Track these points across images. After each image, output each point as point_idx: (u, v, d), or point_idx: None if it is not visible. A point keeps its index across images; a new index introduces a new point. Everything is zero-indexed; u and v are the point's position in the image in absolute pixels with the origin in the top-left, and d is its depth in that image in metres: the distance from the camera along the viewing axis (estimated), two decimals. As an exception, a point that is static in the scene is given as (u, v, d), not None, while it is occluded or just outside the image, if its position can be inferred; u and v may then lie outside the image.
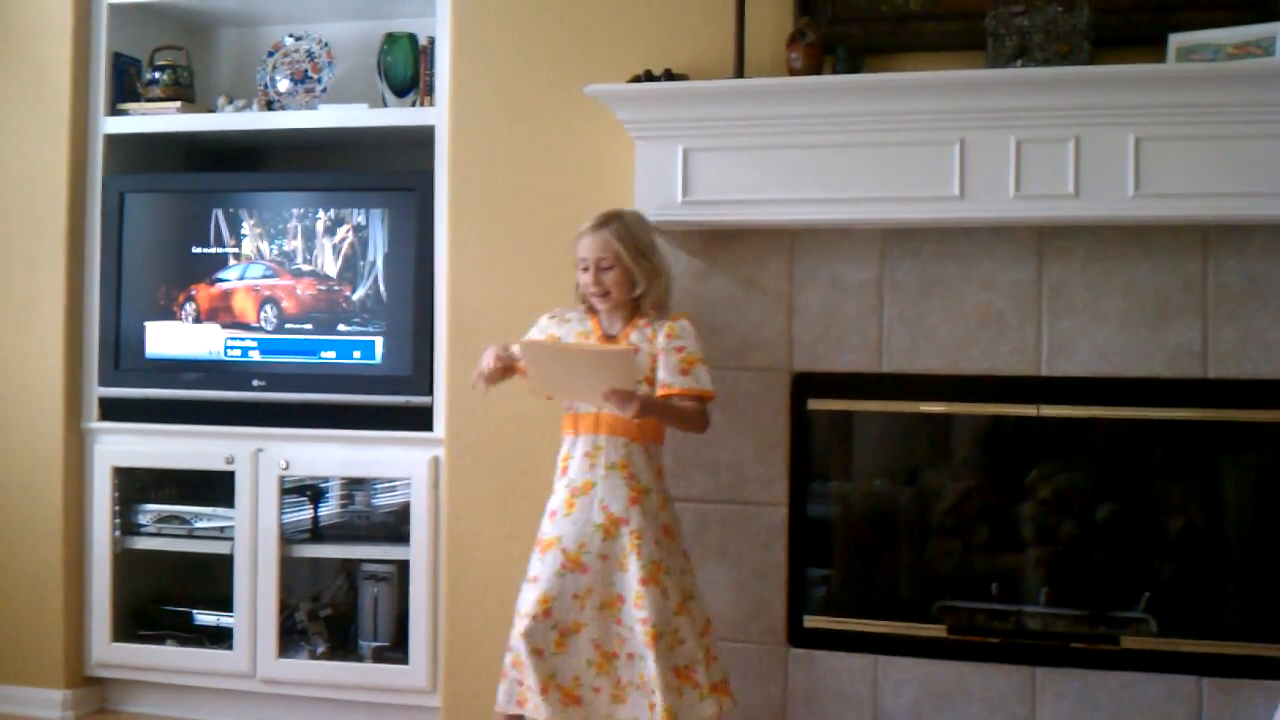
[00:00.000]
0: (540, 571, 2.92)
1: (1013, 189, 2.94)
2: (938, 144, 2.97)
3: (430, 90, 3.64)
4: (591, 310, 3.02)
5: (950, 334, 3.13)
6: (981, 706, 3.09)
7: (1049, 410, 3.11)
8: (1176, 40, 2.96)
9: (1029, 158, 2.93)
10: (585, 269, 2.95)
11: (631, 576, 2.87)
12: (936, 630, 3.18)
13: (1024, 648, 3.12)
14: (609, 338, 2.97)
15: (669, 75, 3.17)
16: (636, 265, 2.92)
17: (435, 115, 3.57)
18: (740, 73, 3.16)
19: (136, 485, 3.88)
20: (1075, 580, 3.18)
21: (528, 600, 2.91)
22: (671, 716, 2.84)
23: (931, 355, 3.14)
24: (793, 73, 3.12)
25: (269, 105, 3.81)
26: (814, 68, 3.11)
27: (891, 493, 3.35)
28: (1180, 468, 3.17)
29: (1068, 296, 3.06)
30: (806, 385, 3.23)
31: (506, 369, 2.99)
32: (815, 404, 3.24)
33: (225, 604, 3.75)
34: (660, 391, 2.89)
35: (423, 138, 3.60)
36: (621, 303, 2.96)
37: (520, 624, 2.90)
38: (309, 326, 3.69)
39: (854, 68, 3.13)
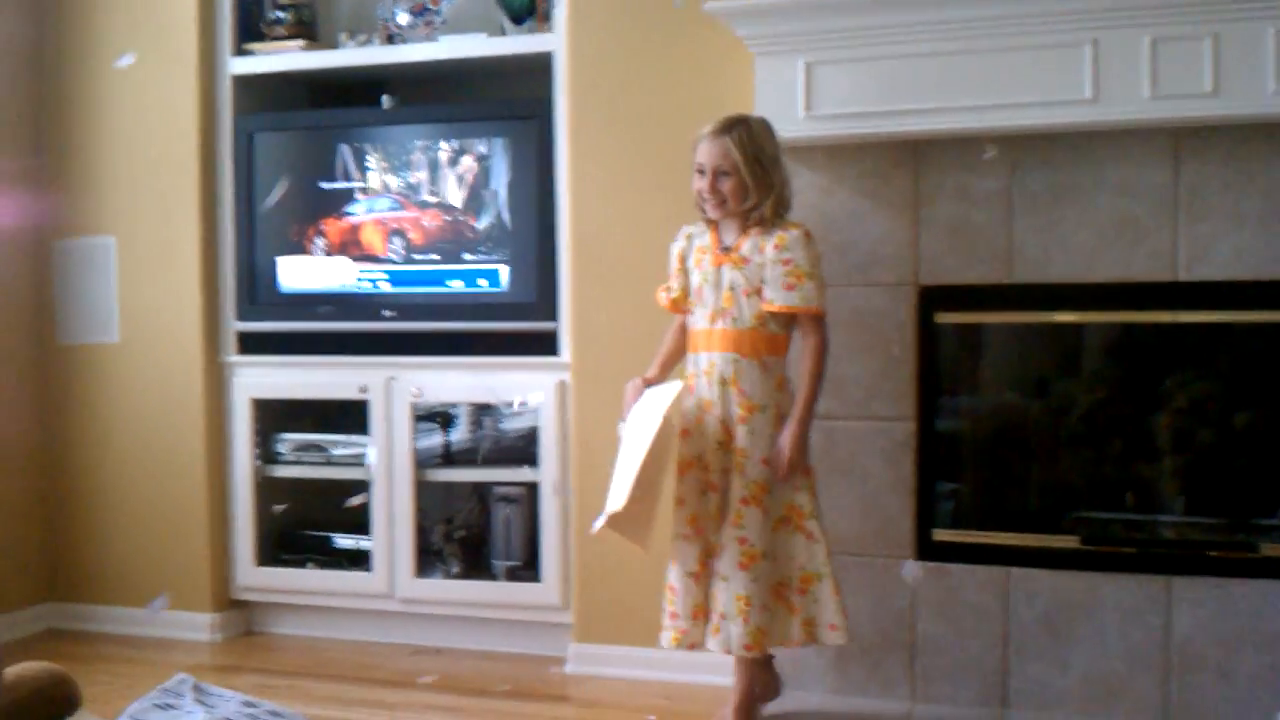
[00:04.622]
0: (684, 493, 2.97)
1: (1148, 90, 2.86)
2: (1068, 45, 2.90)
3: (547, 16, 3.65)
4: (708, 220, 2.99)
5: (1084, 242, 3.07)
6: (1115, 616, 3.06)
7: (1186, 316, 3.05)
8: (1320, -72, 2.85)
9: (1164, 56, 2.85)
10: (701, 173, 2.91)
11: (735, 495, 2.89)
12: (1069, 541, 3.15)
13: (1159, 557, 3.09)
14: (725, 249, 2.94)
15: (789, -12, 3.14)
16: (752, 177, 2.85)
17: (553, 41, 3.59)
18: (862, -17, 3.12)
19: (275, 415, 4.01)
20: (1212, 488, 3.13)
21: (679, 522, 2.97)
22: (761, 635, 2.85)
23: (1064, 264, 3.09)
24: (916, -20, 3.07)
25: (390, 39, 3.86)
26: (938, -26, 3.06)
27: (1022, 405, 3.31)
28: (1322, 372, 3.10)
29: (1206, 199, 2.99)
30: (934, 299, 3.20)
31: None
32: (943, 317, 3.21)
33: (363, 528, 3.87)
34: (764, 307, 2.87)
35: (542, 65, 3.62)
36: (737, 212, 2.91)
37: (676, 549, 2.96)
38: (436, 257, 3.76)
39: (979, -28, 3.07)
